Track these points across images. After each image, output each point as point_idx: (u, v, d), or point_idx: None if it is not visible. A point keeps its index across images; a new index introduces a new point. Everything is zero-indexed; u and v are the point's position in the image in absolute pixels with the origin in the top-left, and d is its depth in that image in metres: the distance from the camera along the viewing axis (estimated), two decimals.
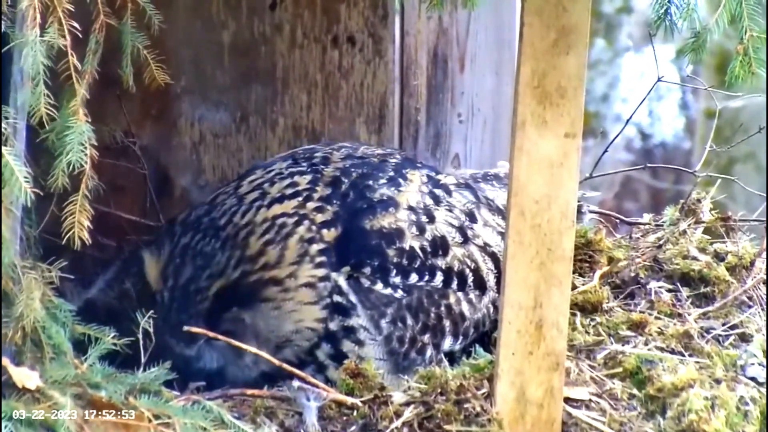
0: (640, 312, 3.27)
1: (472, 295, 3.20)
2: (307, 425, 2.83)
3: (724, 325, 3.23)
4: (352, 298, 3.11)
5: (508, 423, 2.83)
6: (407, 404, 2.88)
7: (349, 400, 2.89)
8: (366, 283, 3.12)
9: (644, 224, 3.78)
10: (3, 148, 2.54)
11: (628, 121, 4.12)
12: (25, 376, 2.62)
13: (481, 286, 3.21)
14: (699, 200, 3.65)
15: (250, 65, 3.93)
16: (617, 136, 4.05)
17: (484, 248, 3.22)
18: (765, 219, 3.54)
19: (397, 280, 3.13)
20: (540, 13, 2.74)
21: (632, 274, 3.43)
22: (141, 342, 2.85)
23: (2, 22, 2.63)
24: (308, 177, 3.22)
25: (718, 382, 2.98)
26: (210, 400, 2.82)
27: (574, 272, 3.16)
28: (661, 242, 3.55)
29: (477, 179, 3.61)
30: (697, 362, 3.06)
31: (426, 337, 3.15)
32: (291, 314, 3.09)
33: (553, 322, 2.82)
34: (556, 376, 2.84)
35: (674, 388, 2.93)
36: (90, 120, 2.70)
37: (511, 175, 2.80)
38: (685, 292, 3.37)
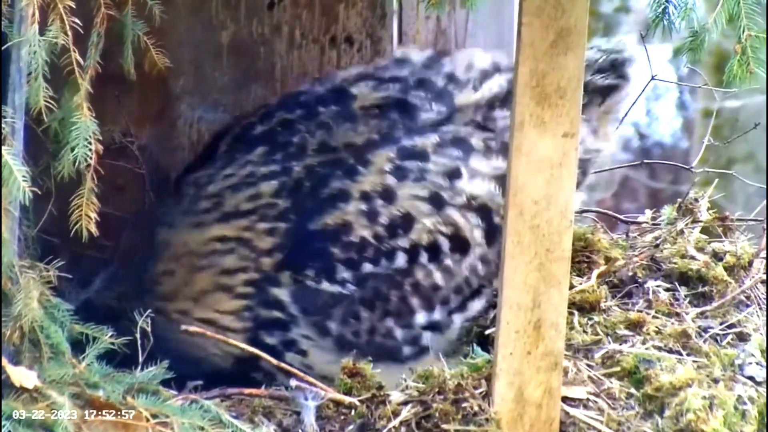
0: (638, 311, 3.27)
1: (449, 261, 3.18)
2: (305, 425, 2.84)
3: (722, 324, 3.23)
4: (293, 309, 3.11)
5: (506, 423, 2.84)
6: (405, 403, 2.88)
7: (347, 399, 2.89)
8: (311, 285, 3.11)
9: (642, 223, 3.78)
10: (3, 147, 2.54)
11: (623, 119, 4.12)
12: (23, 376, 2.62)
13: (462, 247, 3.19)
14: (696, 199, 3.65)
15: (248, 66, 3.92)
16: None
17: (468, 204, 3.19)
18: (763, 219, 3.54)
19: (347, 275, 3.12)
20: (539, 13, 2.74)
21: (630, 274, 3.43)
22: (139, 341, 2.85)
23: (1, 21, 2.63)
24: (275, 184, 3.20)
25: (716, 381, 2.99)
26: (208, 399, 2.82)
27: (571, 271, 3.16)
28: (658, 241, 3.55)
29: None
30: (695, 361, 3.06)
31: (389, 322, 3.15)
32: (181, 345, 3.08)
33: (552, 323, 2.83)
34: (554, 376, 2.84)
35: (672, 388, 2.93)
36: (94, 115, 2.71)
37: (509, 176, 2.80)
38: (683, 291, 3.37)
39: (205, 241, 3.15)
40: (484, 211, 3.19)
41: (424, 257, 3.16)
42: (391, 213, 3.15)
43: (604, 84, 3.46)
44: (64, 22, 2.66)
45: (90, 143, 2.68)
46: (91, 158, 2.69)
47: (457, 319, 3.21)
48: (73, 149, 2.67)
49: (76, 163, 2.67)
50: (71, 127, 2.68)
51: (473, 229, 3.18)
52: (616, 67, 3.48)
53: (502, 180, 3.10)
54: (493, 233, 3.16)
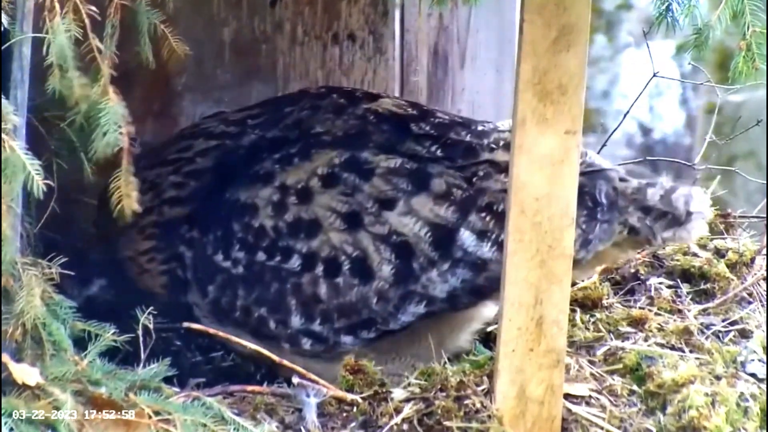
0: (640, 308, 3.27)
1: (341, 281, 3.09)
2: (307, 422, 2.84)
3: (724, 321, 3.24)
4: (189, 273, 3.19)
5: (508, 420, 2.84)
6: (407, 401, 2.88)
7: (349, 396, 2.89)
8: (209, 251, 3.16)
9: None
10: (13, 143, 2.54)
11: (625, 115, 4.13)
12: (25, 373, 2.62)
13: (362, 274, 3.08)
14: None
15: (250, 63, 3.93)
16: (614, 130, 4.06)
17: (388, 237, 3.07)
18: (765, 216, 3.54)
19: (240, 255, 3.13)
20: (541, 10, 2.74)
21: (632, 271, 3.43)
22: (141, 339, 2.85)
23: (2, 18, 2.63)
24: (211, 143, 3.28)
25: (718, 378, 2.99)
26: (210, 396, 2.82)
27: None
28: None
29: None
30: (698, 359, 3.06)
31: (263, 311, 3.13)
32: (136, 283, 3.28)
33: (554, 320, 2.83)
34: (556, 373, 2.84)
35: (674, 385, 2.93)
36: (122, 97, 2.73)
37: (511, 173, 2.80)
38: (685, 288, 3.38)
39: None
40: (402, 249, 3.08)
41: (319, 268, 3.09)
42: (299, 214, 3.11)
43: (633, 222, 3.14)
44: (80, 12, 2.67)
45: (120, 126, 2.69)
46: (122, 142, 2.70)
47: (348, 341, 3.11)
48: (104, 134, 2.67)
49: (110, 148, 2.69)
50: (99, 114, 2.68)
51: (382, 263, 3.08)
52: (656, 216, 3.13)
53: (437, 229, 3.05)
54: (406, 275, 3.07)
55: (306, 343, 3.12)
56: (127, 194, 2.73)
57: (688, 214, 3.11)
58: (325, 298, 3.10)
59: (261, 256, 3.12)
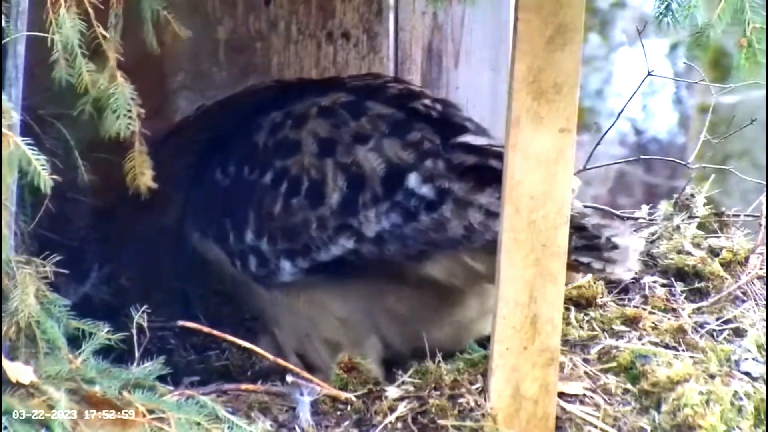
0: (635, 307, 3.28)
1: (294, 201, 3.16)
2: (301, 420, 2.84)
3: (718, 320, 3.24)
4: (192, 192, 3.39)
5: (502, 418, 2.84)
6: (401, 399, 2.89)
7: (343, 395, 2.89)
8: (207, 172, 3.34)
9: (638, 219, 3.78)
10: (18, 139, 2.54)
11: (619, 114, 4.13)
12: (19, 371, 2.62)
13: (314, 197, 3.13)
14: (693, 195, 3.66)
15: (246, 61, 3.93)
16: (608, 129, 4.06)
17: (349, 166, 3.12)
18: (760, 214, 3.55)
19: (231, 170, 3.29)
20: (537, 10, 2.74)
21: None
22: (135, 337, 2.85)
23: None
24: (260, 87, 3.54)
25: (712, 377, 2.99)
26: (204, 395, 2.82)
27: None
28: (655, 237, 3.56)
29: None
30: (692, 357, 3.06)
31: (227, 223, 3.25)
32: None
33: (548, 318, 2.83)
34: (550, 372, 2.85)
35: (669, 383, 2.94)
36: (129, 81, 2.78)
37: (505, 172, 2.80)
38: (679, 287, 3.38)
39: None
40: (356, 181, 3.10)
41: (283, 186, 3.17)
42: (286, 134, 3.22)
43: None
44: (83, 4, 2.68)
45: (130, 110, 2.74)
46: (133, 124, 2.76)
47: (286, 267, 3.16)
48: (117, 118, 2.73)
49: (123, 130, 2.76)
50: (109, 99, 2.73)
51: (334, 190, 3.12)
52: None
53: (391, 168, 3.08)
54: (352, 207, 3.09)
55: (252, 263, 3.20)
56: (142, 172, 2.79)
57: (613, 246, 2.92)
58: (277, 216, 3.17)
59: (246, 170, 3.25)
